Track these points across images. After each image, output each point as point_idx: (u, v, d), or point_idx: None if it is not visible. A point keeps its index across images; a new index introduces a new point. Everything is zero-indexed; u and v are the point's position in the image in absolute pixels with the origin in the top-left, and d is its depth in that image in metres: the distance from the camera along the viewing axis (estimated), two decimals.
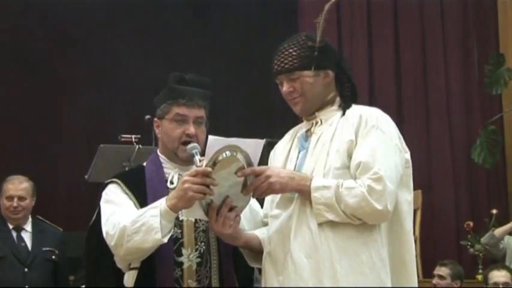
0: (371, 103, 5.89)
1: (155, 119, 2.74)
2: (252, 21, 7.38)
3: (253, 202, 2.66)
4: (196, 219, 2.59)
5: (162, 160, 2.71)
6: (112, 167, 4.64)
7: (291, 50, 2.53)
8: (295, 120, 2.79)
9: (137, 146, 4.99)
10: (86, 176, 5.10)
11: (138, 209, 2.54)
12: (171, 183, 2.64)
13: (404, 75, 6.80)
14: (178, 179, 2.63)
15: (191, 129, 2.62)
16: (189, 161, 2.62)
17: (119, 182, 2.64)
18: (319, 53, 2.51)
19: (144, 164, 2.77)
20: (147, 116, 4.42)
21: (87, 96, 7.42)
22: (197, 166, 2.48)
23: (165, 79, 2.74)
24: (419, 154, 6.31)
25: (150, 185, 2.63)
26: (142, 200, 2.58)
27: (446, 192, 6.61)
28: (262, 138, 2.49)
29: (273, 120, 7.26)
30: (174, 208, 2.42)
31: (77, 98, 7.45)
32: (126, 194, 2.61)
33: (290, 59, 2.52)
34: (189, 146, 2.60)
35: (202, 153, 2.49)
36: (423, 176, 6.31)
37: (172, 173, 2.66)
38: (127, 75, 7.29)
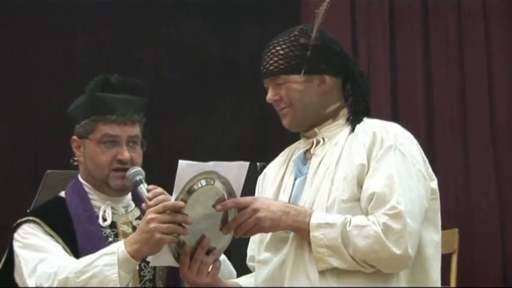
0: (394, 118, 5.88)
1: (74, 137, 2.71)
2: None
3: None
4: (140, 265, 2.58)
5: (87, 190, 2.68)
6: None
7: (278, 48, 2.54)
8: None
9: None
10: (28, 211, 5.09)
11: (69, 254, 2.52)
12: (104, 219, 2.62)
13: (436, 82, 6.80)
14: (113, 214, 2.62)
15: (125, 154, 2.60)
16: (124, 190, 2.61)
17: (38, 220, 2.60)
18: (313, 53, 2.52)
19: (62, 194, 2.73)
20: None
21: (27, 104, 7.32)
22: (145, 198, 2.46)
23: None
24: (456, 181, 6.31)
25: (78, 223, 2.60)
26: (71, 242, 2.55)
27: (490, 230, 6.59)
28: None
29: (270, 140, 7.26)
30: (137, 255, 2.42)
31: (13, 107, 7.34)
32: (50, 235, 2.57)
33: (275, 59, 2.54)
34: (131, 171, 2.58)
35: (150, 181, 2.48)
36: (460, 210, 6.29)
37: (103, 207, 2.65)
38: (81, 78, 7.26)
